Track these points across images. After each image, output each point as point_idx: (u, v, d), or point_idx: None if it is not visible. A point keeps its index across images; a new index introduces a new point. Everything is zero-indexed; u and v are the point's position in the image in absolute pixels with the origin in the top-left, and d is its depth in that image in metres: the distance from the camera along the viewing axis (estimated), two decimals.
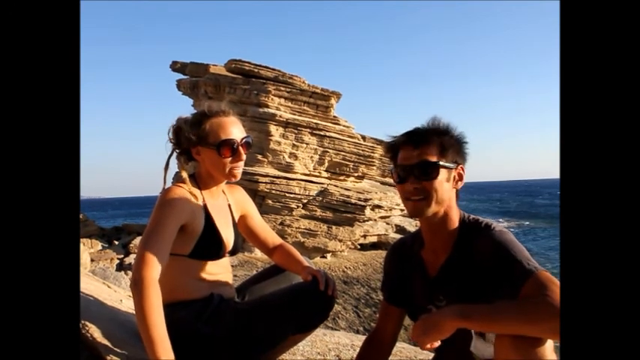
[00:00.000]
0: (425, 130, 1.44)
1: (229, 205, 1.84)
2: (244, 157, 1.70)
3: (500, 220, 43.11)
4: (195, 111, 1.76)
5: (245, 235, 1.94)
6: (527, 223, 44.42)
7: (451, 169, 1.42)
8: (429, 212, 1.42)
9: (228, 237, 1.76)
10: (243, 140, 1.69)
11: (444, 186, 1.41)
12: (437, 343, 1.26)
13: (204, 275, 1.70)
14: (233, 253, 1.80)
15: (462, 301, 1.34)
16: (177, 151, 1.74)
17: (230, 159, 1.66)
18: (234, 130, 1.68)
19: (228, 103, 1.79)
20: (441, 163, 1.39)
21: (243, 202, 1.92)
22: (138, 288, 1.38)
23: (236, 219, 1.86)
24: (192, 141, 1.67)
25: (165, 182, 1.71)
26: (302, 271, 1.78)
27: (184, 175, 1.68)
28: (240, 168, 1.70)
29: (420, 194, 1.41)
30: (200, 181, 1.73)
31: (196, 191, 1.68)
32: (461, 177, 1.46)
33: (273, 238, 1.97)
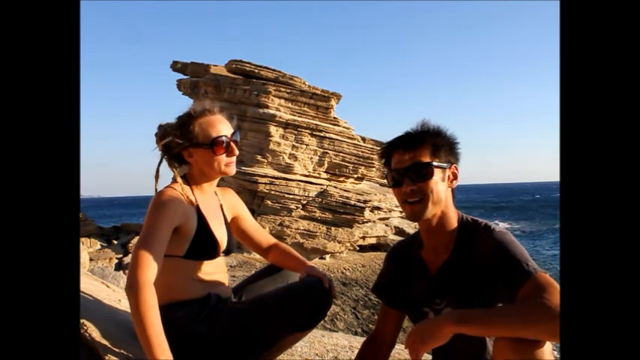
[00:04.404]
0: (416, 133, 1.46)
1: (221, 206, 1.85)
2: (237, 152, 1.75)
3: None
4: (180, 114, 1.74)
5: (238, 237, 1.93)
6: None
7: (445, 168, 1.44)
8: (427, 214, 1.42)
9: (222, 236, 1.76)
10: (233, 136, 1.73)
11: (439, 186, 1.42)
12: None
13: (200, 275, 1.70)
14: (227, 252, 1.80)
15: (461, 300, 1.34)
16: (167, 157, 1.73)
17: (224, 155, 1.69)
18: (223, 127, 1.71)
19: (212, 101, 1.81)
20: (434, 163, 1.41)
21: (234, 204, 1.93)
22: (133, 291, 1.39)
23: (228, 219, 1.87)
24: (183, 144, 1.67)
25: (156, 190, 1.69)
26: (300, 267, 1.79)
27: (177, 176, 1.69)
28: (234, 163, 1.75)
29: (416, 196, 1.41)
30: (192, 182, 1.74)
31: (189, 192, 1.68)
32: (455, 176, 1.48)
33: (267, 239, 1.98)
